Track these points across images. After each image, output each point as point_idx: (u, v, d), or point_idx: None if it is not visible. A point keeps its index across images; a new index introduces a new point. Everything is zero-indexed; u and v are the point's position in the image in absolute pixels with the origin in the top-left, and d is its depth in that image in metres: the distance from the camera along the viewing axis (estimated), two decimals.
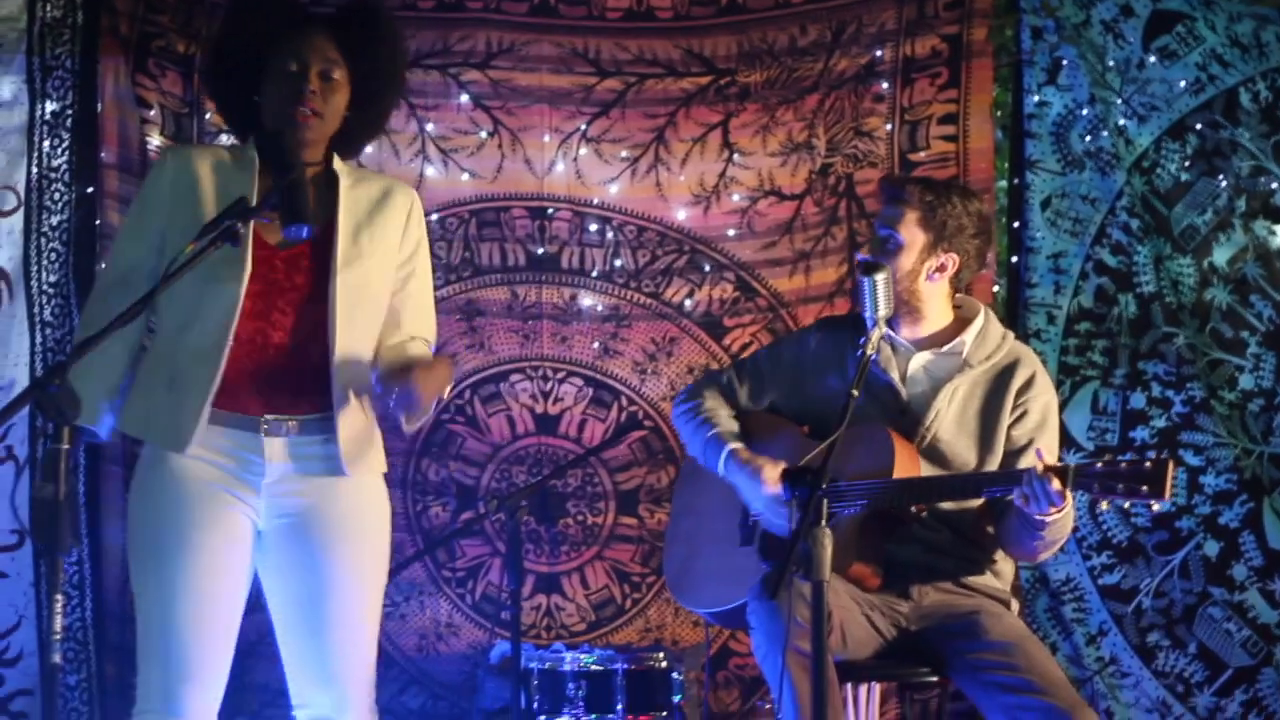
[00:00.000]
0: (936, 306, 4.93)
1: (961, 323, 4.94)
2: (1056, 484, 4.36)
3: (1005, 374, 4.87)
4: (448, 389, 4.35)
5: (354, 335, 4.26)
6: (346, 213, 4.30)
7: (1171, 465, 4.27)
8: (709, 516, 5.13)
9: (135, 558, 4.24)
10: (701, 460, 5.08)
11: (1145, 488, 4.27)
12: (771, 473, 4.81)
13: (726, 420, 5.08)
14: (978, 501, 4.77)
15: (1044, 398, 4.87)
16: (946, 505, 4.74)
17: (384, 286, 4.35)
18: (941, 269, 4.88)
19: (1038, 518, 4.45)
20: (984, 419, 4.84)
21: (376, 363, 4.34)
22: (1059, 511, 4.42)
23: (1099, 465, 4.35)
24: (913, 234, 4.86)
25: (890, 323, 4.86)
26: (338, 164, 4.37)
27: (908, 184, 5.01)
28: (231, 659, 4.23)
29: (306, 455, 4.24)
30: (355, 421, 4.28)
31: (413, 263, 4.43)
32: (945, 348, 4.90)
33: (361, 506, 4.33)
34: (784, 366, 5.10)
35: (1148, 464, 4.28)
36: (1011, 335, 4.99)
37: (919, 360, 4.91)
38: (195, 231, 4.02)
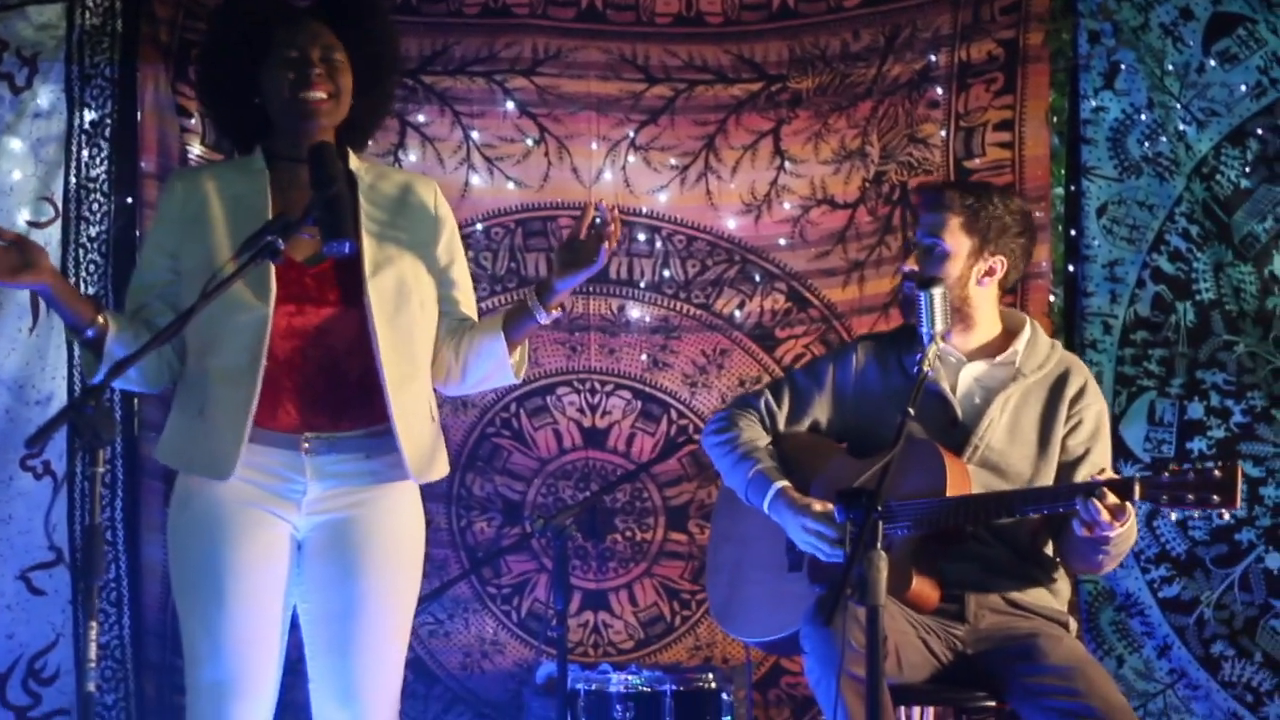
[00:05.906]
0: (987, 313, 4.89)
1: (1009, 333, 4.91)
2: (1113, 499, 4.31)
3: (1059, 383, 4.83)
4: None
5: (400, 341, 4.20)
6: (370, 218, 4.25)
7: (1240, 470, 4.25)
8: (752, 543, 5.05)
9: (179, 584, 4.22)
10: (742, 496, 4.98)
11: (1216, 496, 4.24)
12: (822, 513, 4.72)
13: (767, 453, 4.98)
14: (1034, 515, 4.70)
15: (1096, 406, 4.85)
16: (1003, 520, 4.66)
17: (424, 284, 4.29)
18: (990, 272, 4.85)
19: (1101, 534, 4.40)
20: (1039, 428, 4.79)
21: (480, 337, 4.34)
22: (1123, 525, 4.37)
23: (1166, 476, 4.31)
24: (958, 240, 4.82)
25: None
26: (354, 161, 4.33)
27: (946, 189, 5.01)
28: (280, 675, 4.21)
29: (348, 472, 4.20)
30: (418, 427, 4.24)
31: (450, 249, 4.39)
32: (998, 358, 4.86)
33: (399, 521, 4.29)
34: (828, 386, 5.02)
35: (1216, 471, 4.25)
36: (1059, 344, 4.97)
37: (970, 371, 4.86)
38: (208, 254, 4.08)
